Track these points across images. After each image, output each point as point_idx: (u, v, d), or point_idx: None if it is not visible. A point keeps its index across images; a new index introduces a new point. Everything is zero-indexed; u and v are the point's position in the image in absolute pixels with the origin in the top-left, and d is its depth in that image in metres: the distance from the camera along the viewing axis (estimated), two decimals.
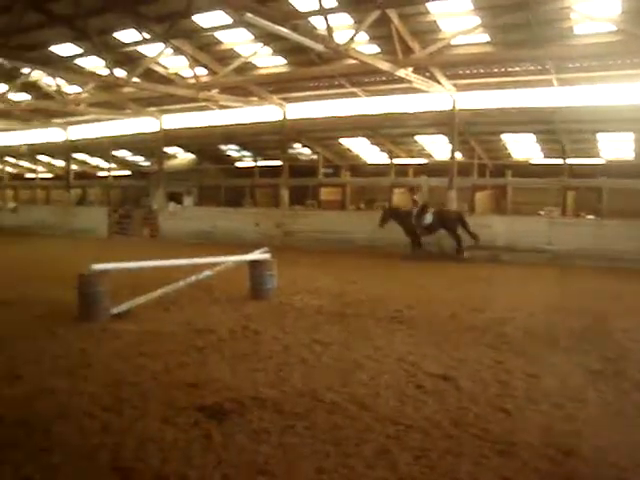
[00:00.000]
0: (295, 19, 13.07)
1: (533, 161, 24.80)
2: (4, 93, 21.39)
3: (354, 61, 15.22)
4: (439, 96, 19.77)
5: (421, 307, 10.48)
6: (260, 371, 6.56)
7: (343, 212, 24.15)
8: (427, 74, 17.57)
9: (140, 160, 34.66)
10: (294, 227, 21.96)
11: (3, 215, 31.79)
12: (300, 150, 28.58)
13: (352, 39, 13.35)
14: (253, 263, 10.82)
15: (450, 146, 20.76)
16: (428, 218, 17.71)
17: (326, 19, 12.65)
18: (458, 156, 20.56)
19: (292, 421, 5.13)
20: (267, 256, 10.89)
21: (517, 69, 17.66)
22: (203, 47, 18.22)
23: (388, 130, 23.90)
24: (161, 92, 19.47)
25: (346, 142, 26.96)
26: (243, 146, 29.42)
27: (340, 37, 13.80)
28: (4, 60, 17.12)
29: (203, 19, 16.18)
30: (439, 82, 18.15)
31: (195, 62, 18.16)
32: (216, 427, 5.02)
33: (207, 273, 10.52)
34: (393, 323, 9.15)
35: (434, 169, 24.22)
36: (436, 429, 4.97)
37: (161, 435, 4.89)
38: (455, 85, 19.02)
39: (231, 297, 10.95)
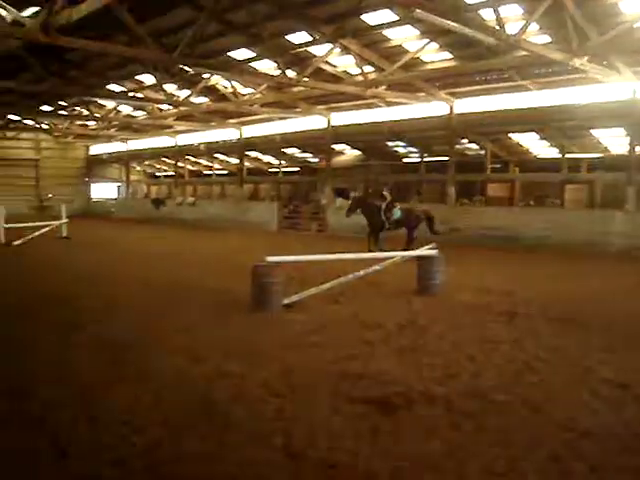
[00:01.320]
0: (464, 12, 12.80)
1: None
2: (187, 97, 22.97)
3: (525, 53, 14.61)
4: (617, 86, 18.47)
5: (595, 307, 9.90)
6: (428, 367, 6.52)
7: (511, 208, 23.34)
8: (604, 62, 16.44)
9: (309, 157, 35.66)
10: (461, 223, 21.55)
11: (183, 209, 34.11)
12: (467, 145, 28.00)
13: (524, 29, 12.83)
14: (421, 259, 10.78)
15: (629, 139, 19.37)
16: (397, 213, 16.87)
17: (496, 10, 12.28)
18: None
19: (461, 419, 5.06)
20: (435, 252, 10.79)
21: None
22: (370, 45, 18.38)
23: (560, 123, 22.72)
24: (330, 90, 19.90)
25: (515, 136, 26.03)
26: (410, 142, 29.32)
27: (510, 28, 13.32)
28: (190, 68, 18.42)
29: (370, 17, 16.33)
30: (618, 71, 16.94)
31: (362, 60, 18.37)
32: (384, 420, 5.07)
33: (376, 267, 10.61)
34: (565, 324, 8.71)
35: (610, 164, 22.75)
36: (613, 440, 4.67)
37: (330, 424, 5.01)
38: (636, 73, 17.66)
39: (398, 292, 10.98)
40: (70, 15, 11.56)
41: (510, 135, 25.82)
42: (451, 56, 18.60)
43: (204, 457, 4.49)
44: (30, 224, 21.80)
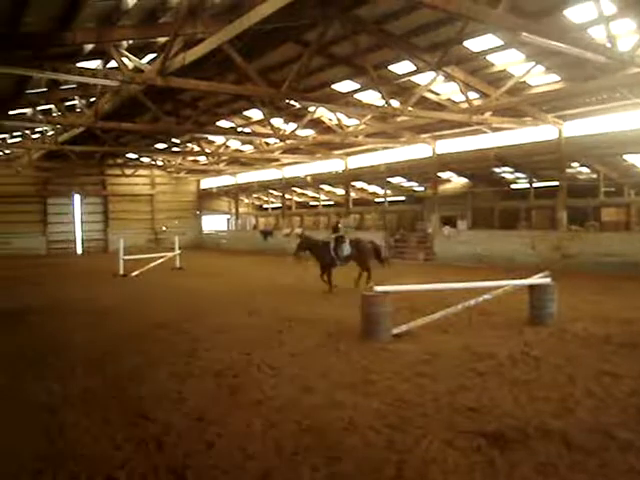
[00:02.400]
0: (572, 32, 12.45)
1: None
2: (293, 130, 23.55)
3: (639, 69, 13.98)
4: None
5: None
6: (543, 400, 6.31)
7: (628, 234, 22.25)
8: None
9: (414, 185, 35.52)
10: (573, 250, 20.74)
11: (292, 240, 34.71)
12: (578, 169, 27.02)
13: (639, 45, 12.30)
14: (532, 287, 10.45)
15: None
16: (346, 249, 16.05)
17: (607, 27, 11.87)
18: None
19: (581, 457, 4.85)
20: (547, 280, 10.43)
21: None
22: (474, 71, 18.19)
23: None
24: (434, 118, 19.83)
25: (630, 158, 24.86)
26: (517, 167, 28.63)
27: (622, 45, 12.79)
28: (296, 102, 18.91)
29: (473, 44, 16.20)
30: None
31: (467, 86, 18.19)
32: (499, 455, 4.94)
33: (485, 297, 10.38)
34: None
35: None
36: None
37: (443, 457, 4.94)
38: None
39: (509, 322, 10.68)
40: (184, 58, 12.20)
41: (625, 157, 24.70)
42: (558, 78, 18.10)
43: None
44: (146, 256, 22.91)
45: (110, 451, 5.31)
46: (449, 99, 21.08)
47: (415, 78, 19.02)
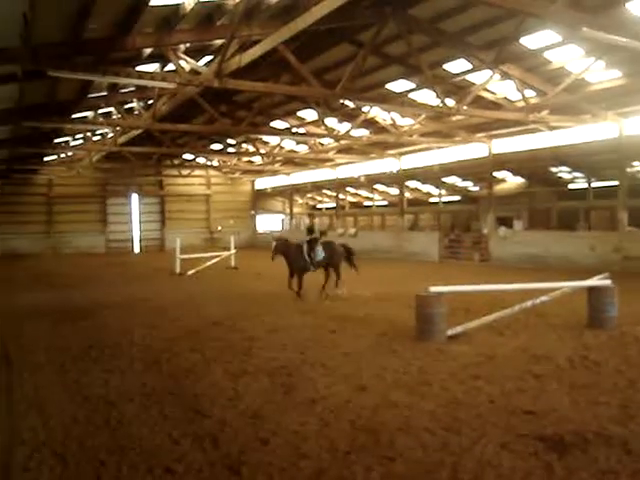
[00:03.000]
0: (634, 26, 12.08)
1: None
2: (347, 131, 23.58)
3: None
4: None
5: None
6: (603, 405, 6.16)
7: None
8: None
9: (469, 185, 35.14)
10: (635, 252, 20.18)
11: (345, 240, 34.71)
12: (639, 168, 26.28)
13: None
14: (592, 290, 10.20)
15: None
16: (320, 253, 14.92)
17: None
18: None
19: None
20: (607, 282, 10.17)
21: None
22: (531, 69, 17.85)
23: None
24: (490, 118, 19.57)
25: None
26: (575, 167, 28.03)
27: None
28: (350, 102, 18.94)
29: (531, 40, 15.90)
30: None
31: (523, 84, 17.87)
32: (557, 460, 4.84)
33: (543, 298, 10.19)
34: None
35: None
36: None
37: (499, 460, 4.88)
38: None
39: (567, 324, 10.46)
40: (240, 60, 12.36)
41: None
42: (620, 74, 17.61)
43: None
44: (202, 255, 23.28)
45: (168, 445, 5.43)
46: (505, 98, 20.76)
47: (470, 77, 18.81)
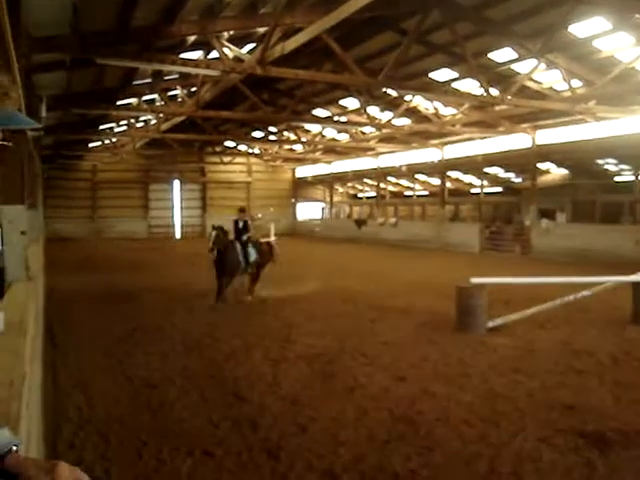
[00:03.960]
0: None
1: None
2: (389, 120, 23.45)
3: None
4: None
5: None
6: None
7: None
8: None
9: (512, 176, 34.65)
10: None
11: (385, 229, 34.65)
12: None
13: None
14: (637, 285, 10.00)
15: None
16: (252, 253, 13.08)
17: None
18: None
19: None
20: None
21: None
22: (579, 58, 17.48)
23: None
24: (535, 108, 19.24)
25: None
26: (622, 159, 27.41)
27: None
28: (392, 91, 18.82)
29: (579, 29, 15.55)
30: None
31: (570, 74, 17.51)
32: (598, 456, 4.78)
33: (585, 293, 10.03)
34: None
35: None
36: None
37: (538, 455, 4.84)
38: None
39: (610, 319, 10.28)
40: (283, 48, 12.38)
41: None
42: None
43: (407, 475, 4.54)
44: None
45: (208, 428, 5.52)
46: (551, 87, 20.36)
47: (515, 66, 18.50)
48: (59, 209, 37.40)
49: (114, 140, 33.91)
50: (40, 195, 23.28)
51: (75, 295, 13.79)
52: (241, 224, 13.60)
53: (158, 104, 22.35)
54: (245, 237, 13.33)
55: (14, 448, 1.66)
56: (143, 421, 5.72)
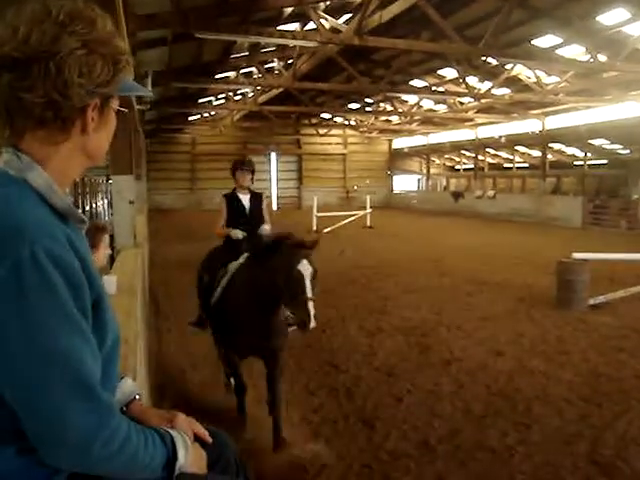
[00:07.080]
0: None
1: None
2: (488, 89, 22.77)
3: None
4: None
5: None
6: None
7: None
8: None
9: (618, 148, 33.01)
10: None
11: (482, 202, 33.91)
12: None
13: None
14: None
15: None
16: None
17: None
18: None
19: None
20: None
21: None
22: None
23: None
24: None
25: None
26: None
27: None
28: (492, 59, 18.24)
29: None
30: None
31: None
32: None
33: None
34: None
35: None
36: None
37: None
38: None
39: None
40: (380, 17, 12.23)
41: None
42: None
43: (504, 451, 4.48)
44: (338, 213, 23.58)
45: (304, 396, 5.64)
46: None
47: (627, 28, 17.48)
48: (159, 181, 38.75)
49: (213, 113, 34.67)
50: (144, 168, 24.19)
51: (176, 263, 14.28)
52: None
53: (255, 77, 22.65)
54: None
55: (136, 397, 1.78)
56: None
